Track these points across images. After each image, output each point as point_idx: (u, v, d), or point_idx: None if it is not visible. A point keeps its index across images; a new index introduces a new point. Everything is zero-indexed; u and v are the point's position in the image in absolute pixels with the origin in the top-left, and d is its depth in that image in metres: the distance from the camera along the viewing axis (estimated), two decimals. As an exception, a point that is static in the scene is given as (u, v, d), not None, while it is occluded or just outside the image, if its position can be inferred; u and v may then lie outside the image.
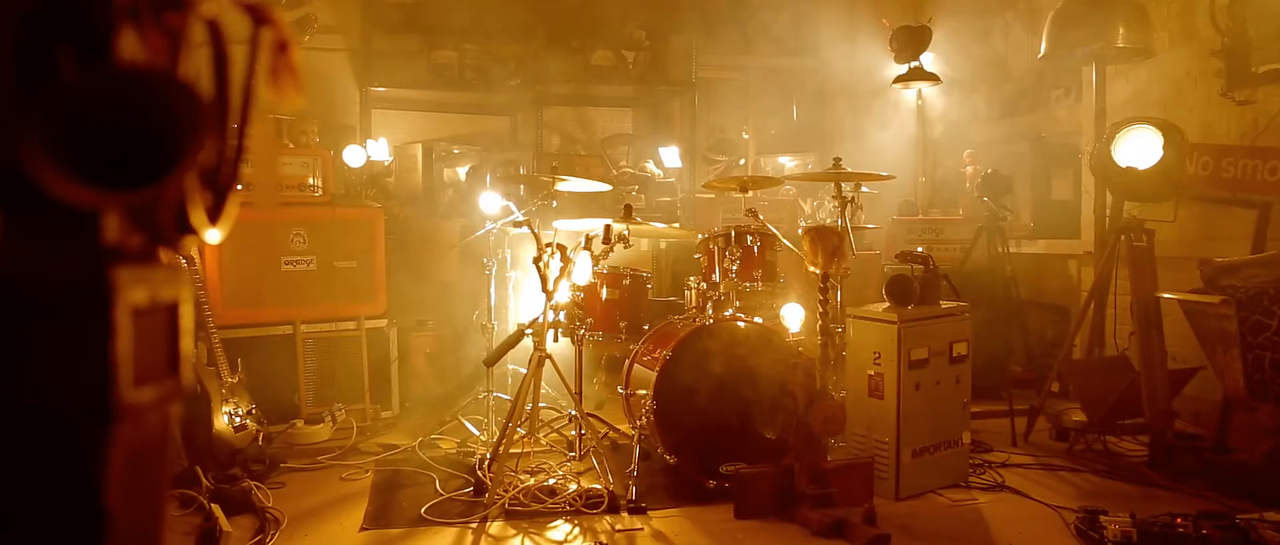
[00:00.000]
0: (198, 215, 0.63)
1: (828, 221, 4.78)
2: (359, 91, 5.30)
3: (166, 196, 0.59)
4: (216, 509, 2.93)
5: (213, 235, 0.72)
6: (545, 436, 3.87)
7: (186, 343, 0.70)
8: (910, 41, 5.03)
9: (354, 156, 4.53)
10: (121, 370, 0.60)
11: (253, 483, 3.21)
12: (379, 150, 4.90)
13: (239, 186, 0.75)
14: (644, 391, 3.30)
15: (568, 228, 4.04)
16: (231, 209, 0.74)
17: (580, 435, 3.47)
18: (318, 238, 4.20)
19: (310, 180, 4.23)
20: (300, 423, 4.00)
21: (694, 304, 3.74)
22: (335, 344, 4.24)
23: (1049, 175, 5.30)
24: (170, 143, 0.57)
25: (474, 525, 2.94)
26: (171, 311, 0.68)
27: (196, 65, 0.72)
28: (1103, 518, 2.72)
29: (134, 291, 0.61)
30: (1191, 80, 4.27)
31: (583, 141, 6.11)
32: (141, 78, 0.56)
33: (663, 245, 5.39)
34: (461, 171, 5.34)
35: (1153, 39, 4.22)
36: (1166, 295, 3.58)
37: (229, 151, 0.75)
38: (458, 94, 5.52)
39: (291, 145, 4.31)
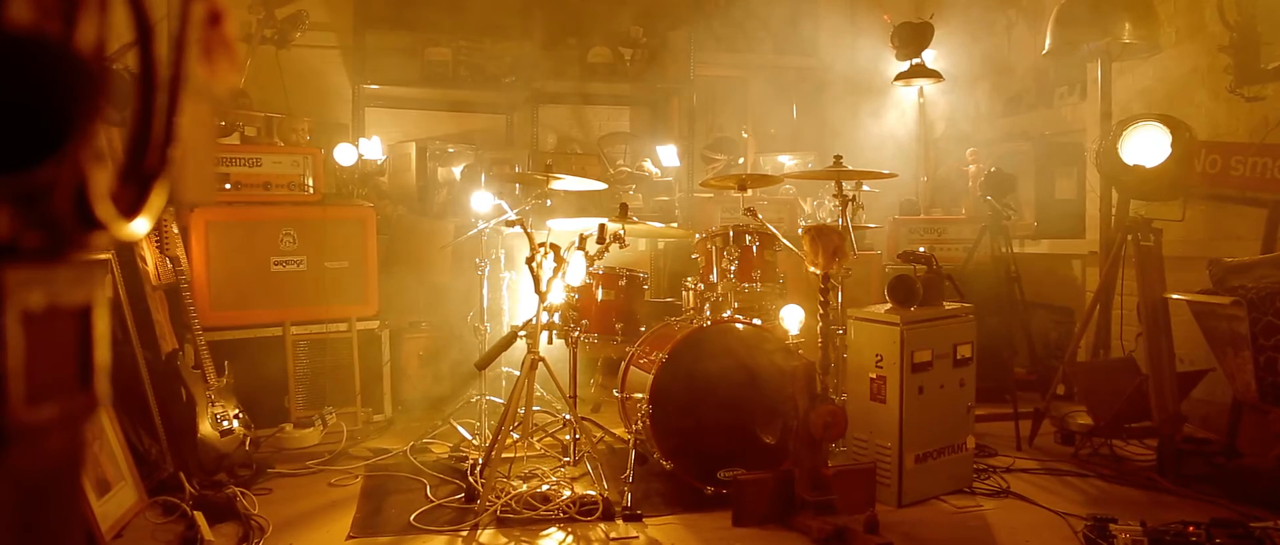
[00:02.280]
0: (104, 207, 0.55)
1: (828, 221, 4.69)
2: (352, 89, 5.21)
3: (59, 184, 0.51)
4: (199, 517, 2.85)
5: (137, 227, 0.64)
6: (539, 441, 3.79)
7: (102, 352, 0.62)
8: (912, 38, 4.95)
9: (345, 155, 4.44)
10: (11, 385, 0.52)
11: (238, 489, 3.13)
12: (372, 149, 4.82)
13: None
14: (640, 395, 3.22)
15: (563, 227, 3.96)
16: (156, 201, 0.66)
17: (575, 440, 3.38)
18: (308, 238, 4.12)
19: (305, 179, 4.15)
20: (289, 427, 3.92)
21: (691, 305, 3.66)
22: (326, 346, 4.16)
23: (1052, 174, 5.22)
24: (59, 122, 0.48)
25: (464, 533, 2.86)
26: (81, 317, 0.59)
27: (115, 38, 0.64)
28: (1112, 526, 2.64)
29: (28, 294, 0.53)
30: (1199, 77, 4.19)
31: (579, 140, 6.02)
32: (24, 44, 0.47)
33: (660, 245, 5.31)
34: (456, 170, 5.25)
35: (1159, 34, 4.14)
36: (1175, 296, 3.50)
37: (156, 136, 0.67)
38: (452, 92, 5.43)
39: (281, 143, 4.22)
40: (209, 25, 0.66)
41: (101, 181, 0.54)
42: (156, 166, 0.66)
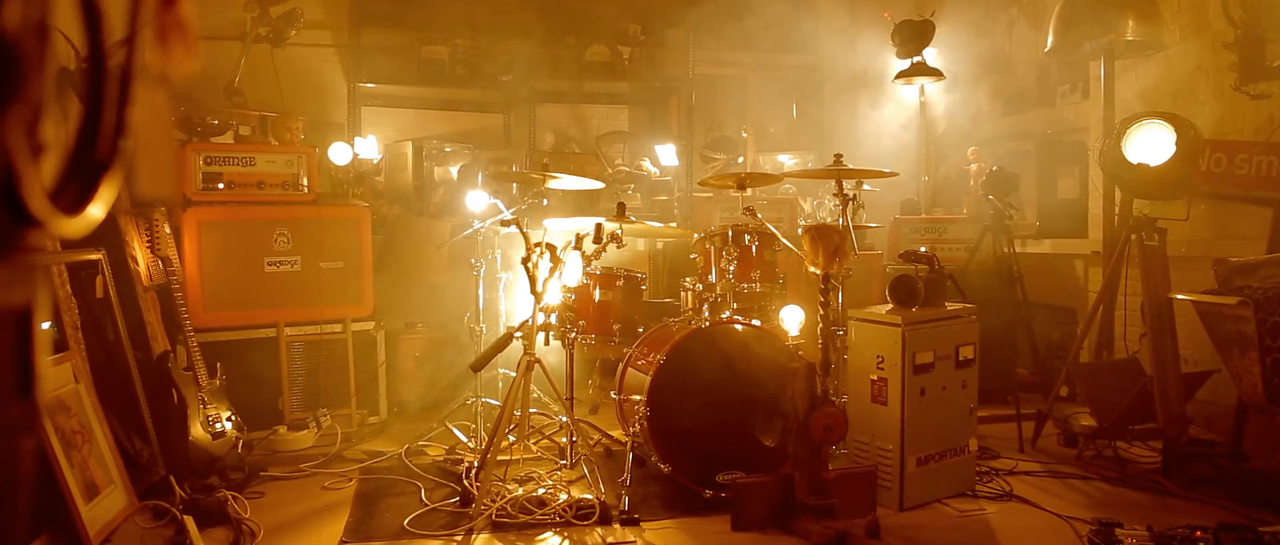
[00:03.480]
0: (38, 201, 0.50)
1: (828, 220, 4.65)
2: (347, 88, 5.16)
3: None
4: (189, 521, 2.81)
5: (81, 224, 0.59)
6: (536, 443, 3.75)
7: (42, 359, 0.57)
8: (913, 36, 4.90)
9: (340, 154, 4.40)
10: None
11: (230, 493, 3.08)
12: (368, 148, 4.77)
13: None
14: (638, 397, 3.17)
15: (560, 227, 3.91)
16: (105, 195, 0.61)
17: (571, 442, 3.34)
18: (302, 238, 4.07)
19: (300, 179, 4.10)
20: (283, 429, 3.87)
21: (690, 306, 3.61)
22: (320, 347, 4.12)
23: (1054, 173, 5.17)
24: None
25: (458, 538, 2.82)
26: (18, 321, 0.55)
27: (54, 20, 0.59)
28: (1118, 531, 2.59)
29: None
30: (1203, 75, 4.15)
31: (577, 139, 5.97)
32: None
33: (659, 245, 5.27)
34: (453, 170, 5.20)
35: (1163, 32, 4.10)
36: (1181, 297, 3.45)
37: (106, 126, 0.62)
38: (449, 90, 5.38)
39: (275, 142, 4.18)
40: (164, 6, 0.61)
41: (35, 174, 0.50)
42: (106, 158, 0.61)
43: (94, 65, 0.61)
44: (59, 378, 2.83)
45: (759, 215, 3.65)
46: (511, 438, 3.28)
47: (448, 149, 5.24)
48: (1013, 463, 3.62)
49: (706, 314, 3.39)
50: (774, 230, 3.65)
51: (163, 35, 0.63)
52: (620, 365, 3.52)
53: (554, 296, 3.25)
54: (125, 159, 0.62)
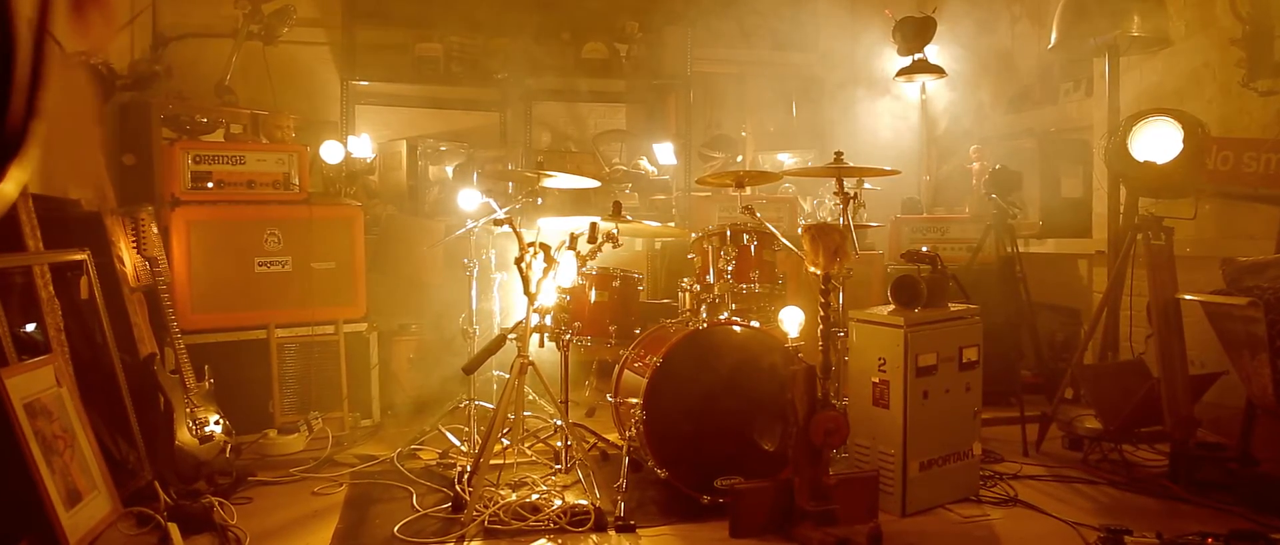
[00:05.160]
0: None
1: (829, 219, 4.58)
2: (341, 86, 5.09)
3: None
4: (173, 528, 2.74)
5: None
6: (530, 447, 3.68)
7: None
8: (914, 33, 4.84)
9: (331, 152, 4.33)
10: None
11: (216, 499, 3.01)
12: (361, 146, 4.70)
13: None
14: (634, 400, 3.10)
15: (555, 226, 3.84)
16: (17, 176, 0.54)
17: (566, 447, 3.27)
18: (293, 238, 4.00)
19: (291, 178, 4.03)
20: (273, 432, 3.81)
21: (688, 307, 3.54)
22: (312, 349, 4.05)
23: (1058, 172, 5.10)
24: None
25: (450, 545, 2.75)
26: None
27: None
28: (1127, 538, 2.52)
29: None
30: (1210, 71, 4.08)
31: (574, 138, 5.90)
32: None
33: (658, 245, 5.19)
34: (448, 169, 5.14)
35: (1169, 28, 4.03)
36: (1188, 297, 3.38)
37: (15, 110, 0.55)
38: (444, 89, 5.32)
39: (265, 140, 4.11)
40: (78, -27, 0.54)
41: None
42: (15, 143, 0.54)
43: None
44: (40, 381, 2.75)
45: (758, 214, 3.58)
46: (505, 441, 3.21)
47: (443, 148, 5.18)
48: (1017, 466, 3.55)
49: (704, 315, 3.32)
50: (773, 230, 3.58)
51: (78, 7, 0.56)
52: (616, 367, 3.45)
53: (548, 297, 3.18)
54: (35, 146, 0.55)
